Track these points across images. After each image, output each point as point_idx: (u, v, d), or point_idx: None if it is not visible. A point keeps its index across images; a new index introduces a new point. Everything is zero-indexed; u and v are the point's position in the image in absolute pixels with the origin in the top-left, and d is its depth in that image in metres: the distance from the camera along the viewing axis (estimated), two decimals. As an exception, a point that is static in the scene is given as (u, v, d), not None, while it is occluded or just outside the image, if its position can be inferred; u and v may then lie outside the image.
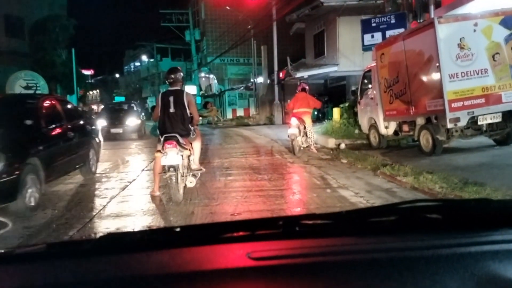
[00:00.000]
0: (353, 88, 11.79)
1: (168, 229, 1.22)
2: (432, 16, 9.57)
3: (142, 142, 13.86)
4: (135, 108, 17.35)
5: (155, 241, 1.04)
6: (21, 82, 24.54)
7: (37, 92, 24.84)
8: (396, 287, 0.79)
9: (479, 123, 7.25)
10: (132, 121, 15.63)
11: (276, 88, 21.35)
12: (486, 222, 1.04)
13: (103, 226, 4.44)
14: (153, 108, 5.77)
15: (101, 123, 15.12)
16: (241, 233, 1.03)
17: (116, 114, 16.26)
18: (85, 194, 6.18)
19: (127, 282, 0.84)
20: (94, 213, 4.95)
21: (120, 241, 1.08)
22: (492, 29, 7.15)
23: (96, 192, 6.25)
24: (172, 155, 5.01)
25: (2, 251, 1.02)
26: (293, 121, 9.21)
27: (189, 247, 0.96)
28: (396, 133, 9.10)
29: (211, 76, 31.87)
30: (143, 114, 18.24)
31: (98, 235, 1.09)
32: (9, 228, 4.26)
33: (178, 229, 1.11)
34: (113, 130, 15.15)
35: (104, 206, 5.25)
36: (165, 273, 0.85)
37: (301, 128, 9.26)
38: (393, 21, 11.61)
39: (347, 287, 0.80)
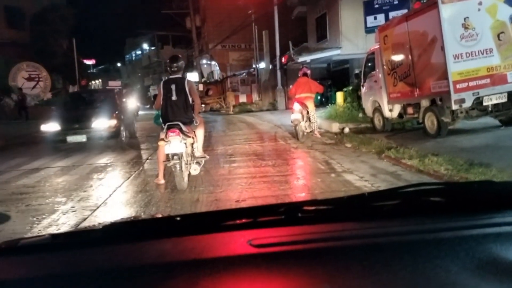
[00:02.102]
0: (357, 71, 11.67)
1: (170, 218, 1.22)
2: (436, -4, 9.39)
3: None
4: (114, 98, 10.71)
5: (157, 230, 1.05)
6: (23, 73, 24.44)
7: (40, 83, 24.68)
8: (397, 271, 0.79)
9: (484, 103, 7.18)
10: (103, 122, 9.22)
11: (279, 73, 21.18)
12: (488, 204, 1.03)
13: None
14: (155, 96, 5.75)
15: (51, 127, 9.23)
16: (242, 221, 1.04)
17: (79, 110, 10.01)
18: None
19: (130, 271, 0.84)
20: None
21: (122, 230, 1.08)
22: (497, 8, 7.02)
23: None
24: (175, 143, 5.03)
25: (7, 242, 1.03)
26: (296, 106, 9.18)
27: (190, 236, 0.96)
28: (400, 116, 9.04)
29: (213, 62, 31.66)
30: (131, 106, 12.43)
31: (100, 225, 1.10)
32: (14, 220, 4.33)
33: (179, 218, 1.12)
34: (70, 139, 9.09)
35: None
36: (167, 261, 0.86)
37: (304, 113, 9.22)
38: (396, 2, 11.47)
39: (349, 272, 0.80)
